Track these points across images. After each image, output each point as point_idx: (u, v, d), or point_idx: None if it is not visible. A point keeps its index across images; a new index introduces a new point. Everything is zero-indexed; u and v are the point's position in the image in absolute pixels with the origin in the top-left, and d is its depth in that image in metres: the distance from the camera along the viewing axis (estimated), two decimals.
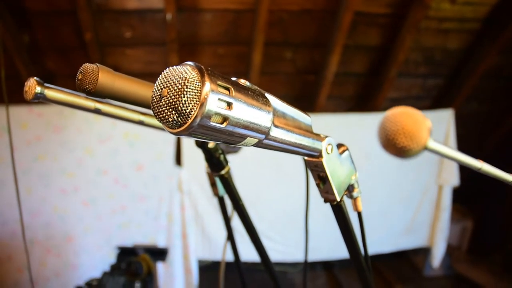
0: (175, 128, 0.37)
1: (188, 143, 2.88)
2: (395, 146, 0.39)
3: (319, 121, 2.95)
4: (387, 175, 3.30)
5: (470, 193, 3.85)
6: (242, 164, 2.92)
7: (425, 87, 3.30)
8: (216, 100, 0.36)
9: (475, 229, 3.96)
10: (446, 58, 3.08)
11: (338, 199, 0.62)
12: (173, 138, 2.87)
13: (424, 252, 3.68)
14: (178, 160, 2.96)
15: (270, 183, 3.17)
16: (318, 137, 0.56)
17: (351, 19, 2.51)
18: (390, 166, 3.28)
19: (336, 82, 2.99)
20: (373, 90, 3.15)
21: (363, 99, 3.30)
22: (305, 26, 2.71)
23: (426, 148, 0.39)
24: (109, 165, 2.85)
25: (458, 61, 3.11)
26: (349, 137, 3.12)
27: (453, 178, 3.36)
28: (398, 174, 3.32)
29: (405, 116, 0.39)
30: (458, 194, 3.54)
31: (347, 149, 0.65)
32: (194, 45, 2.75)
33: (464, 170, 3.37)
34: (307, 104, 3.21)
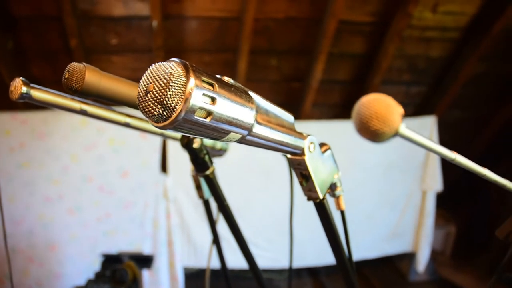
0: (160, 122, 0.38)
1: (174, 150, 2.87)
2: (368, 129, 0.42)
3: (305, 129, 2.96)
4: (372, 181, 3.33)
5: (454, 198, 3.91)
6: (229, 171, 2.92)
7: (408, 94, 3.36)
8: (200, 95, 0.37)
9: (458, 234, 4.01)
10: (429, 66, 3.14)
11: (321, 197, 0.63)
12: (159, 145, 2.86)
13: (408, 258, 3.71)
14: (164, 167, 2.95)
15: (256, 190, 3.17)
16: (300, 135, 0.58)
17: (335, 27, 2.55)
18: (375, 172, 3.31)
19: (321, 90, 3.03)
20: (358, 97, 3.12)
21: (348, 106, 3.33)
22: (291, 34, 2.74)
23: (398, 133, 0.41)
24: (95, 172, 2.82)
25: (440, 69, 3.18)
26: (334, 144, 3.07)
27: (436, 184, 3.40)
28: (383, 179, 3.35)
29: (378, 102, 0.42)
30: (441, 199, 3.58)
31: (329, 148, 0.67)
32: (180, 52, 2.76)
33: (448, 175, 3.42)
34: (292, 111, 3.15)
